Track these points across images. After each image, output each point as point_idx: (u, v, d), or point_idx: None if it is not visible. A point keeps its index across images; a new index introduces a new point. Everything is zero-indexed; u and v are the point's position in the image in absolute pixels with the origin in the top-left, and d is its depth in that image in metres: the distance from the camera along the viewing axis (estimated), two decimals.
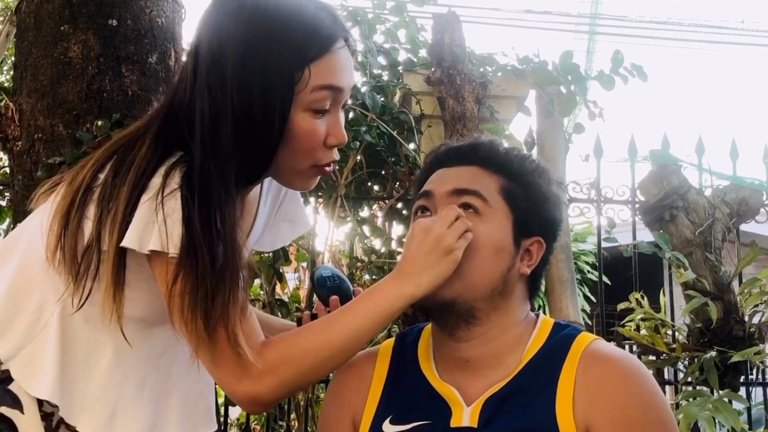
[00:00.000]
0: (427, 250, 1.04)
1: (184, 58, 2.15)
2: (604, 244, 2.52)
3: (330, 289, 1.23)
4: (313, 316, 1.22)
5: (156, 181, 1.01)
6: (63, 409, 1.06)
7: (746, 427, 2.13)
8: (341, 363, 1.08)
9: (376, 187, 2.49)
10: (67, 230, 1.04)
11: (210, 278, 0.98)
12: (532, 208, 1.15)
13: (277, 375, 1.01)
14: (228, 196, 1.03)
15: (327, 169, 1.12)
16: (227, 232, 1.01)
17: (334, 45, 1.05)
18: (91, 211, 1.04)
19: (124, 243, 0.99)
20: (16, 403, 1.07)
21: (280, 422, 2.71)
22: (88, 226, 1.04)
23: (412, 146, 2.35)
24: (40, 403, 1.06)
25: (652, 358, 2.28)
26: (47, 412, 1.07)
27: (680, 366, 2.26)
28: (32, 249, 1.10)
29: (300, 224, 1.37)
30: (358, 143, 2.19)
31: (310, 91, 1.02)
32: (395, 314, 1.05)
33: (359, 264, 2.39)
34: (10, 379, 1.07)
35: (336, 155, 1.11)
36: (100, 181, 1.05)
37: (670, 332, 2.39)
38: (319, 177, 1.14)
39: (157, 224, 0.98)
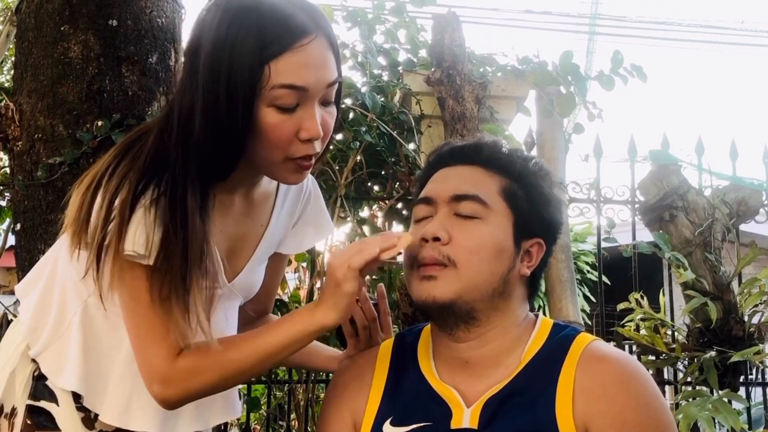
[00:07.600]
0: (328, 283, 1.08)
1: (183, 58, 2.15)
2: (603, 244, 2.52)
3: None
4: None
5: (149, 185, 1.05)
6: (86, 398, 1.15)
7: (746, 427, 2.14)
8: (249, 379, 1.12)
9: (376, 187, 2.48)
10: (81, 218, 1.08)
11: (165, 274, 1.03)
12: (533, 209, 1.15)
13: (185, 384, 1.06)
14: (197, 194, 1.05)
15: (305, 163, 1.09)
16: (195, 231, 1.04)
17: (299, 41, 1.02)
18: (97, 206, 1.07)
19: (126, 251, 1.03)
20: (52, 396, 1.16)
21: (280, 422, 2.71)
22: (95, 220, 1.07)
23: (412, 146, 2.35)
24: (77, 396, 1.15)
25: (651, 358, 2.28)
26: (84, 405, 1.15)
27: (680, 366, 2.26)
28: (58, 254, 1.20)
29: (324, 229, 1.41)
30: (358, 143, 2.19)
31: (270, 89, 1.01)
32: (308, 339, 1.10)
33: None
34: (46, 376, 1.16)
35: (316, 148, 1.08)
36: (106, 177, 1.08)
37: (669, 332, 2.39)
38: (305, 171, 1.12)
39: (140, 230, 1.03)
